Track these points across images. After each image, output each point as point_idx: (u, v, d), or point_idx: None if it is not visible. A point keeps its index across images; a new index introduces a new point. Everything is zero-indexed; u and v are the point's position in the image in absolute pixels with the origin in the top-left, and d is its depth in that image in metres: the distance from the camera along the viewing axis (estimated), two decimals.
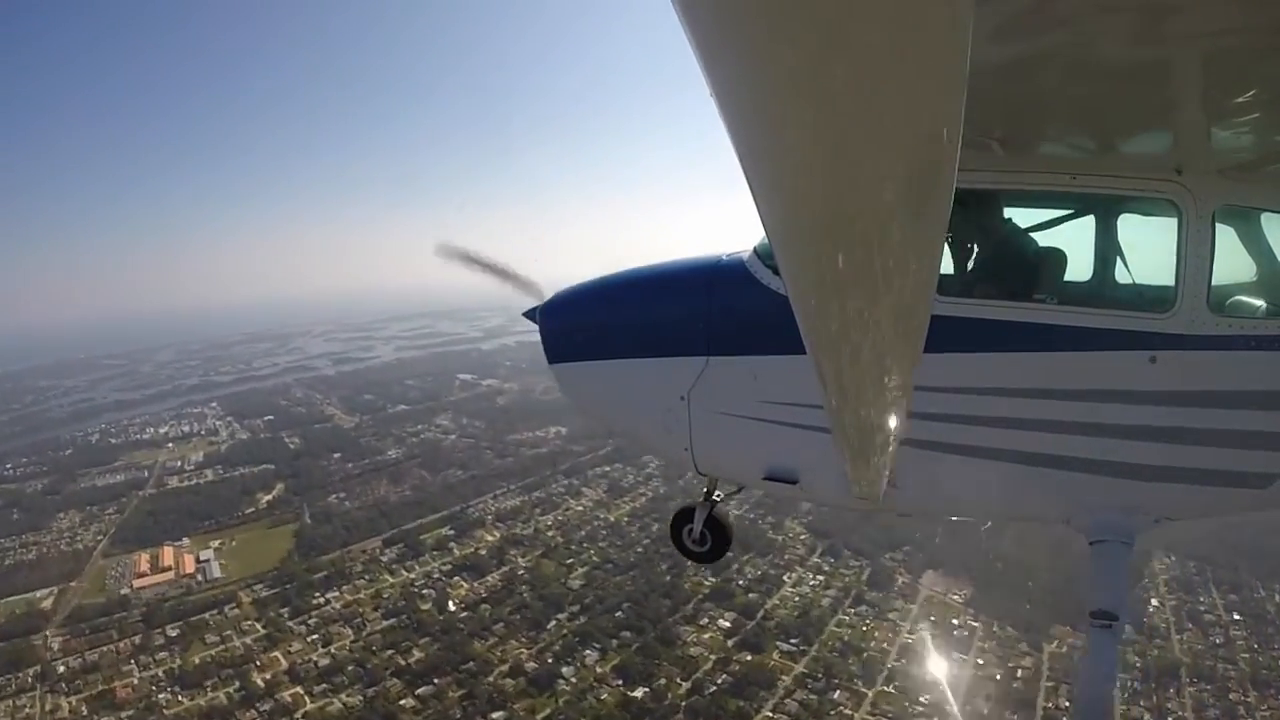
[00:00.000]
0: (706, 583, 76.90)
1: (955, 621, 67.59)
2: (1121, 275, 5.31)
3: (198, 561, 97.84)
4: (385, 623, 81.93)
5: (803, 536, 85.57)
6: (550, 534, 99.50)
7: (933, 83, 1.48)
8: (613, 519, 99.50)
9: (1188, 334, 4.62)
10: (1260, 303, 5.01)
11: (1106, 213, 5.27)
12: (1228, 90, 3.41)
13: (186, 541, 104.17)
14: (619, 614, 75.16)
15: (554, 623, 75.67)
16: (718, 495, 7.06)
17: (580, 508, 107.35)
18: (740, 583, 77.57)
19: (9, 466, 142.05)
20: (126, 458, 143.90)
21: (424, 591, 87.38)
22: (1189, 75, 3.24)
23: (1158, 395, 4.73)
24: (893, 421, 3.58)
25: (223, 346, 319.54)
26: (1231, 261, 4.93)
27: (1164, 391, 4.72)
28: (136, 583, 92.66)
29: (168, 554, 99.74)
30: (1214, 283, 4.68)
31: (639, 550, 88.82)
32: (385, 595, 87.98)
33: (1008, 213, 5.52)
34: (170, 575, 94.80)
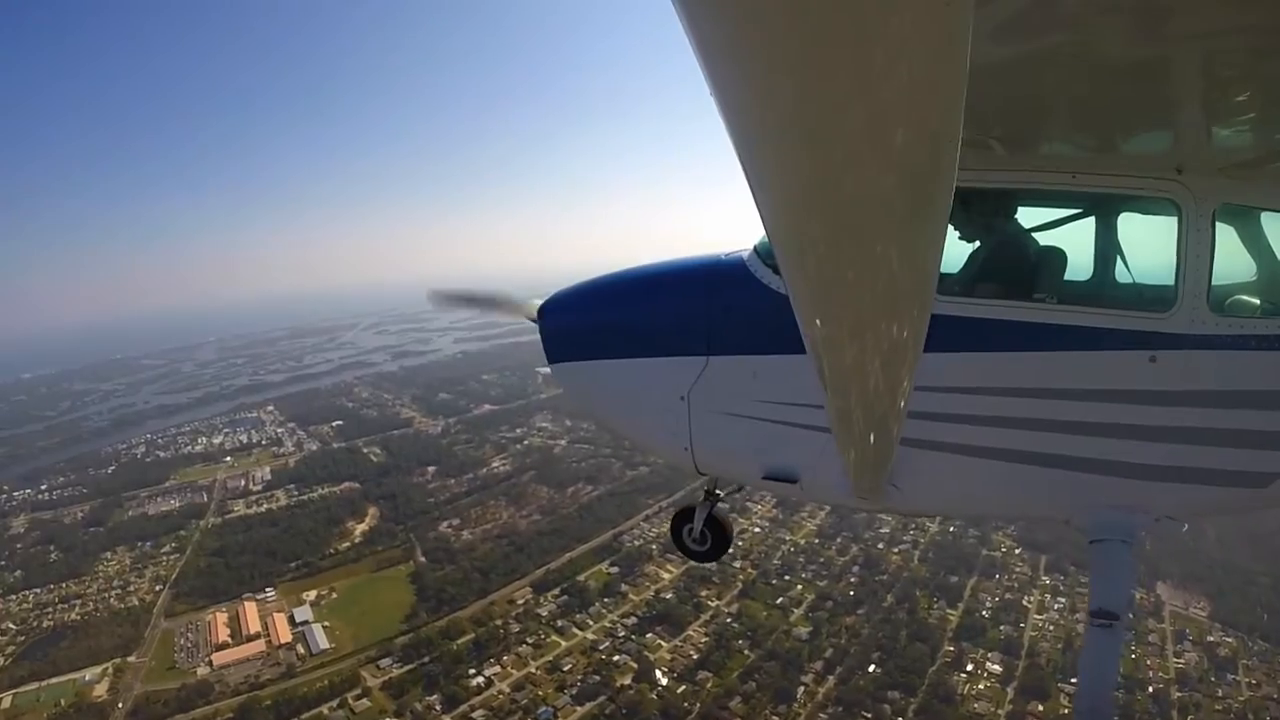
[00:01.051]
0: (950, 616, 66.27)
1: (1211, 639, 61.15)
2: (1121, 274, 5.27)
3: (293, 624, 73.76)
4: (581, 709, 59.82)
5: (1018, 551, 74.72)
6: (737, 565, 78.54)
7: (933, 83, 1.47)
8: (800, 541, 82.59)
9: (1188, 333, 4.57)
10: (1260, 302, 4.90)
11: (1106, 212, 5.25)
12: (1228, 90, 3.41)
13: (272, 593, 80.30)
14: (875, 669, 60.50)
15: (801, 689, 59.30)
16: (718, 494, 7.03)
17: (756, 529, 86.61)
18: (984, 613, 66.21)
19: (44, 487, 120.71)
20: (178, 475, 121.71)
21: (615, 659, 65.30)
22: (1189, 75, 3.21)
23: (1158, 395, 4.66)
24: (893, 421, 3.58)
25: (267, 342, 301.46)
26: (1231, 261, 4.90)
27: (1164, 391, 4.65)
28: (217, 658, 68.94)
29: (250, 612, 75.91)
30: (1214, 282, 4.59)
31: (853, 580, 74.03)
32: (566, 667, 64.85)
33: (1008, 212, 5.44)
34: (260, 646, 70.81)
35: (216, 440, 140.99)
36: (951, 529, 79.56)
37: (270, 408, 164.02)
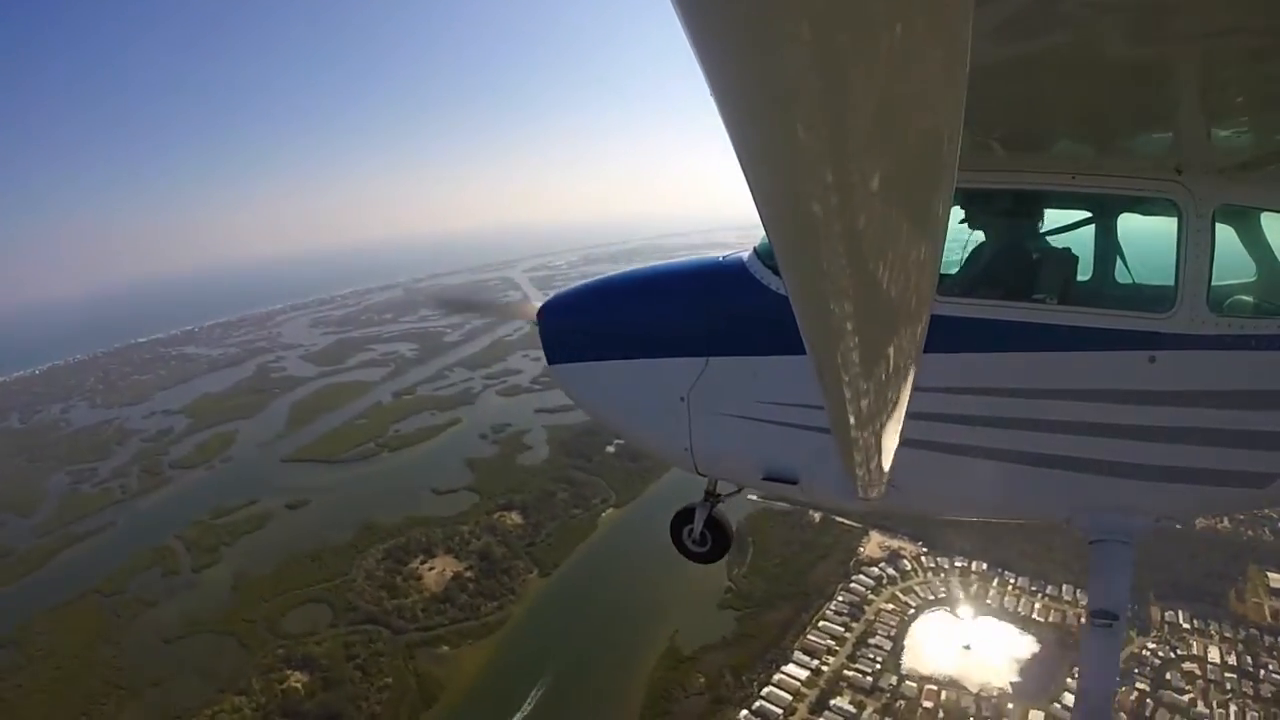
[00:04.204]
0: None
1: None
2: (1121, 275, 5.29)
3: None
4: None
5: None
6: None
7: (933, 83, 1.48)
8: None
9: (1188, 334, 4.58)
10: (1260, 303, 4.92)
11: (1106, 212, 5.24)
12: (1228, 90, 3.45)
13: None
14: None
15: None
16: (719, 495, 7.05)
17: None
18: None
19: None
20: None
21: None
22: (1189, 75, 3.24)
23: (1158, 395, 4.68)
24: (893, 422, 3.62)
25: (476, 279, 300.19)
26: (1231, 261, 4.89)
27: (1164, 391, 4.67)
28: None
29: None
30: (1214, 283, 4.61)
31: None
32: None
33: (1008, 213, 5.36)
34: None
35: None
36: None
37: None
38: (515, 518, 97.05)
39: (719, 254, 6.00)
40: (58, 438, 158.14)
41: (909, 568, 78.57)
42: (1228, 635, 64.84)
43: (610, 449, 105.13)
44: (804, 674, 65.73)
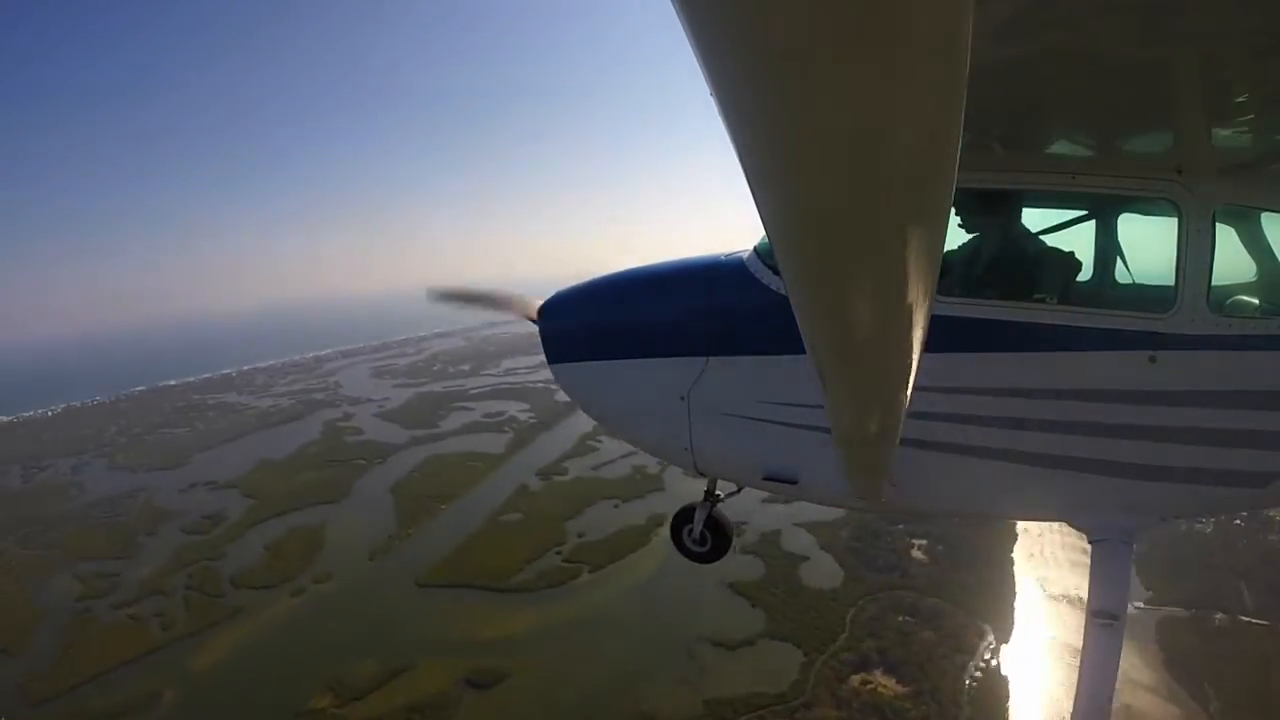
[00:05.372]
0: None
1: None
2: (1121, 275, 5.32)
3: None
4: None
5: None
6: None
7: (933, 83, 1.48)
8: None
9: (1188, 334, 4.56)
10: (1260, 302, 4.94)
11: (1106, 212, 5.29)
12: (1228, 90, 3.44)
13: None
14: None
15: None
16: (719, 494, 7.06)
17: None
18: None
19: None
20: None
21: None
22: (1189, 75, 3.24)
23: (1158, 395, 4.67)
24: (893, 421, 3.59)
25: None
26: (1231, 261, 4.86)
27: (1164, 391, 4.66)
28: None
29: None
30: (1214, 282, 4.59)
31: None
32: None
33: (1008, 213, 5.38)
34: None
35: None
36: None
37: None
38: (888, 682, 64.75)
39: (719, 253, 6.01)
40: (65, 511, 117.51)
41: None
42: None
43: (918, 553, 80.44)
44: None
